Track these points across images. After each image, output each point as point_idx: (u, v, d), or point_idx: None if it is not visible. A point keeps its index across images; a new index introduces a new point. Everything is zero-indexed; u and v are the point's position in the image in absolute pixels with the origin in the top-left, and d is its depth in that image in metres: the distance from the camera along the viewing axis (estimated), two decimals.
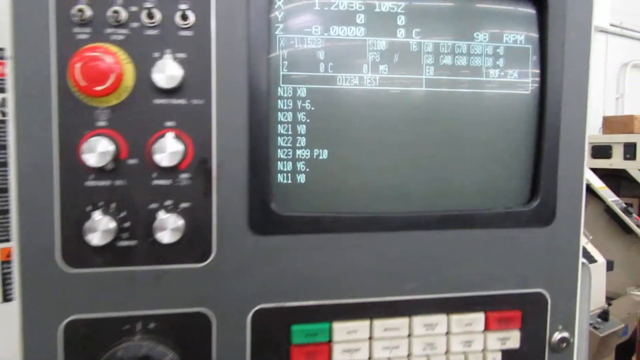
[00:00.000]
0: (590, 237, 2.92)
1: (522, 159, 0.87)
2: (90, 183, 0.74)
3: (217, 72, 0.76)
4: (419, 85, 0.82)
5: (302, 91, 0.79)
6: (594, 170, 3.66)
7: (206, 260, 0.78)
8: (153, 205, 0.75)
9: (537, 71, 0.87)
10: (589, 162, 2.76)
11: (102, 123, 0.73)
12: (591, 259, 2.83)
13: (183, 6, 0.73)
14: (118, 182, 0.74)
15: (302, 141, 0.80)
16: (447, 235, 0.85)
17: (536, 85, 0.86)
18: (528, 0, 0.85)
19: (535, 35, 0.86)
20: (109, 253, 0.75)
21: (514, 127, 0.87)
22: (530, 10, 0.86)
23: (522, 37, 0.86)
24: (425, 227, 0.84)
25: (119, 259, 0.75)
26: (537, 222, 0.87)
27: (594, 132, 4.23)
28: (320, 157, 0.81)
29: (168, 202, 0.76)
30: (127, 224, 0.75)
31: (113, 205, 0.74)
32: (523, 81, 0.86)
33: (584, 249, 2.18)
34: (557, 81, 0.86)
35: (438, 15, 0.84)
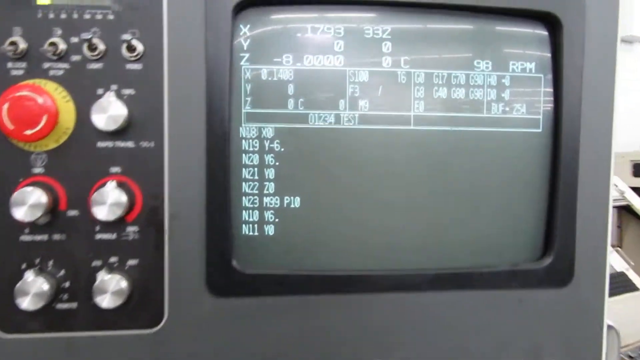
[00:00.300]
0: (632, 264, 2.71)
1: (532, 208, 0.74)
2: (26, 238, 0.65)
3: (170, 111, 0.66)
4: (406, 123, 0.71)
5: (268, 131, 0.69)
6: (636, 189, 3.43)
7: (157, 325, 0.68)
8: (96, 263, 0.66)
9: (551, 105, 0.73)
10: (630, 180, 2.56)
11: (38, 170, 0.65)
12: (632, 287, 2.62)
13: (127, 36, 0.63)
14: (56, 237, 0.65)
15: (271, 187, 0.69)
16: (443, 297, 0.72)
17: (549, 121, 0.73)
18: (538, 20, 0.73)
19: (547, 61, 0.73)
20: (47, 317, 0.66)
21: (523, 170, 0.74)
22: (541, 32, 0.73)
23: (531, 64, 0.73)
24: (417, 288, 0.71)
25: (57, 324, 0.66)
26: (551, 282, 0.74)
27: (635, 147, 3.98)
28: (292, 206, 0.70)
29: (113, 259, 0.66)
30: (66, 284, 0.66)
31: (51, 263, 0.65)
32: (533, 117, 0.73)
33: (624, 276, 1.99)
34: (575, 115, 0.72)
35: (431, 41, 0.72)
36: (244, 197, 0.69)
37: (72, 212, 0.65)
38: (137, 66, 0.65)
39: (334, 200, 0.71)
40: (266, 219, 0.70)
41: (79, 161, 0.65)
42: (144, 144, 0.66)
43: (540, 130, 0.74)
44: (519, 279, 0.73)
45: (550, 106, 0.74)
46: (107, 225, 0.66)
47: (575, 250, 0.74)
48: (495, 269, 0.73)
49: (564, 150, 0.73)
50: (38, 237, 0.65)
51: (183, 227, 0.67)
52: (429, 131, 0.71)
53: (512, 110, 0.73)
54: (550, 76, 0.74)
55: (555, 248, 0.73)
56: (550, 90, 0.74)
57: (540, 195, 0.74)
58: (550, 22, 0.73)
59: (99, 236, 0.66)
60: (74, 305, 0.66)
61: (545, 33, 0.73)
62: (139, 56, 0.65)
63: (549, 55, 0.73)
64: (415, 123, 0.71)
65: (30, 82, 0.63)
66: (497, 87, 0.72)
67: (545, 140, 0.74)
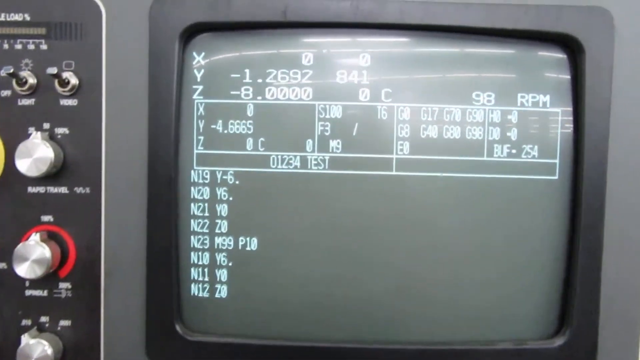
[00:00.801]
0: None
1: (545, 273, 0.61)
2: None
3: (108, 153, 0.58)
4: (387, 168, 0.59)
5: (223, 176, 0.59)
6: None
7: None
8: (26, 322, 0.59)
9: (570, 146, 0.60)
10: None
11: None
12: None
13: (52, 69, 0.55)
14: None
15: (224, 243, 0.60)
16: None
17: (568, 166, 0.60)
18: (553, 42, 0.59)
19: (566, 92, 0.60)
20: None
21: (533, 227, 0.61)
22: (559, 56, 0.60)
23: (546, 97, 0.60)
24: None
25: None
26: None
27: None
28: (249, 264, 0.60)
29: (44, 319, 0.59)
30: None
31: None
32: (548, 162, 0.60)
33: None
34: (600, 160, 0.59)
35: (418, 68, 0.60)
36: (192, 253, 0.60)
37: (0, 265, 0.58)
38: (71, 102, 0.57)
39: (298, 258, 0.60)
40: (218, 279, 0.60)
41: (8, 208, 0.58)
42: (79, 189, 0.58)
43: (556, 177, 0.60)
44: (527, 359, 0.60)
45: (569, 148, 0.60)
46: (37, 281, 0.58)
47: (599, 327, 0.59)
48: (496, 347, 0.60)
49: (585, 202, 0.59)
50: None
51: (121, 285, 0.59)
52: (415, 178, 0.60)
53: (521, 153, 0.60)
54: (570, 111, 0.60)
55: (573, 323, 0.59)
56: (570, 128, 0.60)
57: (555, 257, 0.61)
58: (570, 46, 0.59)
59: (29, 292, 0.59)
60: None
61: (562, 56, 0.60)
62: (73, 90, 0.57)
63: (568, 85, 0.60)
64: (399, 168, 0.59)
65: None
66: (501, 124, 0.60)
67: (563, 190, 0.60)
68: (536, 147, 0.60)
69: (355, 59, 0.59)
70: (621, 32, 0.58)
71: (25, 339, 0.57)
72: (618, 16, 0.58)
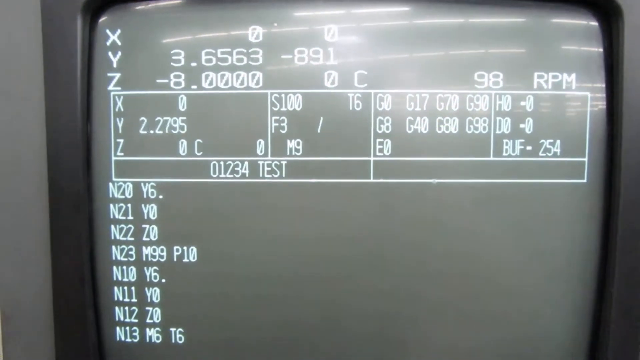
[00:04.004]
0: None
1: (570, 305, 0.49)
2: None
3: None
4: (363, 174, 0.46)
5: (150, 189, 0.46)
6: None
7: None
8: None
9: (603, 141, 0.46)
10: None
11: None
12: None
13: None
14: None
15: (154, 275, 0.46)
16: None
17: (599, 166, 0.46)
18: (579, 5, 0.45)
19: (598, 70, 0.46)
20: None
21: (556, 242, 0.48)
22: (587, 22, 0.46)
23: (570, 76, 0.46)
24: None
25: None
26: None
27: None
28: (187, 299, 0.47)
29: None
30: None
31: None
32: (574, 160, 0.46)
33: None
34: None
35: (402, 42, 0.46)
36: (115, 289, 0.47)
37: None
38: None
39: (250, 294, 0.47)
40: (150, 319, 0.47)
41: None
42: None
43: (584, 181, 0.47)
44: None
45: (602, 143, 0.46)
46: None
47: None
48: None
49: (623, 213, 0.47)
50: None
51: (24, 334, 0.47)
52: (399, 187, 0.46)
53: (539, 151, 0.47)
54: (602, 95, 0.46)
55: (607, 357, 0.46)
56: (603, 117, 0.46)
57: (583, 281, 0.49)
58: (604, 8, 0.44)
59: None
60: None
61: (592, 24, 0.45)
62: None
63: (600, 60, 0.45)
64: (378, 174, 0.46)
65: None
66: (512, 114, 0.46)
67: (593, 195, 0.48)
68: (558, 142, 0.48)
69: (318, 34, 0.45)
70: None
71: None
72: None
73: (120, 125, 0.46)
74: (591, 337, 0.48)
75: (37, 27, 0.44)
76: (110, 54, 0.46)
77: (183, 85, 0.46)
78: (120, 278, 0.47)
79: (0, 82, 0.45)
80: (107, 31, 0.46)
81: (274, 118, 0.46)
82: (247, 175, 0.46)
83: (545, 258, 0.48)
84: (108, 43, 0.46)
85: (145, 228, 0.47)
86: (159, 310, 0.47)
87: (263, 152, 0.46)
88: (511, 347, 0.49)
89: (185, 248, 0.46)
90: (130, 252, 0.47)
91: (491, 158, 0.47)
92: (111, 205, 0.47)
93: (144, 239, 0.47)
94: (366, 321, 0.48)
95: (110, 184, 0.47)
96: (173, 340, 0.47)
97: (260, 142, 0.46)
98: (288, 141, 0.46)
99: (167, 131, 0.46)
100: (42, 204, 0.45)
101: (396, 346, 0.48)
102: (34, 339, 0.47)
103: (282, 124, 0.46)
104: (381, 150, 0.46)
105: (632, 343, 0.47)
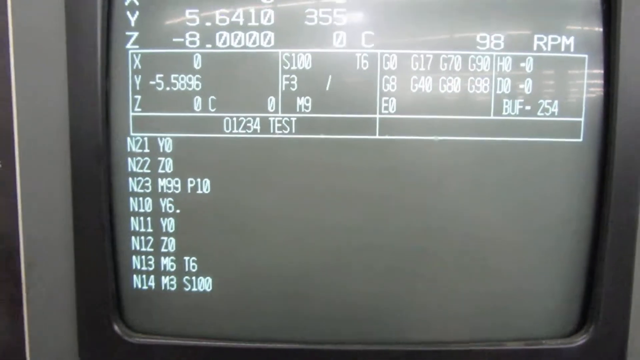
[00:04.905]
0: None
1: (565, 260, 0.51)
2: None
3: (21, 118, 0.49)
4: (369, 131, 0.48)
5: (166, 143, 0.48)
6: None
7: None
8: None
9: (599, 102, 0.48)
10: None
11: None
12: None
13: None
14: None
15: (170, 225, 0.49)
16: None
17: (595, 126, 0.48)
18: None
19: (596, 33, 0.48)
20: None
21: (552, 201, 0.50)
22: None
23: (569, 39, 0.48)
24: None
25: None
26: None
27: None
28: (200, 252, 0.50)
29: None
30: None
31: None
32: (571, 120, 0.48)
33: None
34: (636, 119, 0.47)
35: (407, 4, 0.48)
36: (133, 238, 0.50)
37: None
38: None
39: (259, 244, 0.50)
40: (164, 268, 0.50)
41: None
42: None
43: (581, 140, 0.49)
44: None
45: (598, 104, 0.48)
46: None
47: (630, 324, 0.49)
48: (504, 347, 0.50)
49: (617, 171, 0.49)
50: None
51: (46, 278, 0.50)
52: (404, 143, 0.49)
53: (537, 110, 0.49)
54: (599, 57, 0.47)
55: (598, 320, 0.50)
56: (600, 79, 0.48)
57: (577, 240, 0.51)
58: None
59: None
60: None
61: None
62: None
63: (599, 24, 0.47)
64: (383, 131, 0.48)
65: None
66: (512, 75, 0.48)
67: (589, 156, 0.50)
68: (556, 102, 0.49)
69: None
70: None
71: None
72: None
73: (137, 82, 0.48)
74: (585, 289, 0.51)
75: None
76: (128, 13, 0.48)
77: (198, 44, 0.48)
78: (137, 228, 0.50)
79: (25, 40, 0.46)
80: None
81: (284, 76, 0.48)
82: (258, 130, 0.48)
83: (542, 214, 0.50)
84: (126, 3, 0.48)
85: (161, 180, 0.49)
86: (173, 221, 0.50)
87: (274, 108, 0.48)
88: (509, 299, 0.51)
89: (198, 180, 0.49)
90: (147, 202, 0.49)
91: (491, 117, 0.48)
92: (129, 159, 0.49)
93: (160, 194, 0.49)
94: (369, 274, 0.50)
95: (129, 139, 0.49)
96: (186, 269, 0.50)
97: (271, 99, 0.48)
98: (298, 98, 0.48)
99: (182, 88, 0.48)
100: (64, 157, 0.47)
101: (397, 295, 0.51)
102: (55, 285, 0.49)
103: (292, 82, 0.48)
104: (387, 108, 0.48)
105: (624, 294, 0.49)
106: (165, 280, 0.50)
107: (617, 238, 0.49)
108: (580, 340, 0.50)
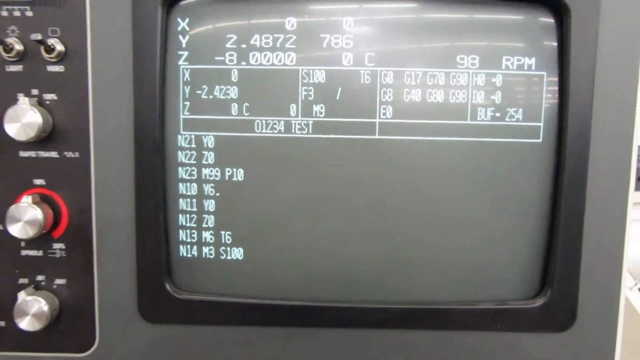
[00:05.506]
0: None
1: (528, 234, 0.62)
2: None
3: (96, 118, 0.59)
4: (370, 132, 0.60)
5: (209, 140, 0.60)
6: None
7: (88, 350, 0.62)
8: (22, 281, 0.61)
9: (555, 110, 0.59)
10: None
11: None
12: None
13: (36, 35, 0.56)
14: None
15: (210, 205, 0.61)
16: (413, 337, 0.62)
17: (552, 129, 0.60)
18: (539, 4, 0.58)
19: (552, 55, 0.59)
20: None
21: (516, 189, 0.61)
22: (546, 19, 0.59)
23: (531, 59, 0.59)
24: (380, 325, 0.61)
25: None
26: (546, 325, 0.61)
27: None
28: (234, 226, 0.62)
29: (40, 278, 0.61)
30: None
31: None
32: (532, 124, 0.60)
33: None
34: (583, 123, 0.59)
35: (401, 32, 0.60)
36: (180, 215, 0.62)
37: None
38: (58, 68, 0.58)
39: (283, 221, 0.61)
40: (205, 240, 0.62)
41: (2, 171, 0.60)
42: (69, 154, 0.60)
43: (540, 140, 0.60)
44: (508, 320, 0.61)
45: (554, 111, 0.60)
46: (32, 242, 0.60)
47: (579, 289, 0.60)
48: (479, 307, 0.61)
49: (569, 165, 0.59)
50: None
51: (112, 246, 0.61)
52: (398, 142, 0.60)
53: (505, 117, 0.60)
54: (555, 74, 0.59)
55: (554, 285, 0.60)
56: (555, 92, 0.59)
57: (538, 220, 0.61)
58: (557, 7, 0.58)
59: (24, 252, 0.61)
60: (2, 323, 0.62)
61: (550, 20, 0.59)
62: (59, 57, 0.58)
63: (555, 47, 0.59)
64: (382, 132, 0.60)
65: None
66: (485, 88, 0.59)
67: (547, 153, 0.60)
68: (520, 110, 0.60)
69: (338, 24, 0.59)
70: None
71: (22, 296, 0.59)
72: None
73: (187, 91, 0.60)
74: (544, 261, 0.61)
75: (129, 17, 0.58)
76: (180, 37, 0.60)
77: (235, 61, 0.59)
78: (184, 207, 0.62)
79: (103, 58, 0.58)
80: (179, 19, 0.59)
81: (303, 88, 0.60)
82: (282, 131, 0.60)
83: (509, 199, 0.60)
84: (179, 28, 0.60)
85: (204, 169, 0.61)
86: (213, 202, 0.61)
87: (295, 114, 0.60)
88: (483, 269, 0.61)
89: (234, 169, 0.60)
90: (192, 187, 0.62)
91: (468, 122, 0.60)
92: (179, 152, 0.61)
93: (204, 181, 0.61)
94: (370, 243, 0.61)
95: (179, 136, 0.61)
96: (222, 241, 0.61)
97: (293, 106, 0.60)
98: (314, 106, 0.59)
99: (222, 96, 0.60)
100: (129, 149, 0.58)
101: (392, 264, 0.62)
102: (120, 250, 0.60)
103: (309, 93, 0.60)
104: (384, 114, 0.60)
105: (574, 265, 0.60)
106: (205, 249, 0.62)
107: (569, 219, 0.59)
108: (539, 301, 0.60)
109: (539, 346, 0.62)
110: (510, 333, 0.62)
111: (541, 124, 0.60)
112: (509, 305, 0.61)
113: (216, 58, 0.60)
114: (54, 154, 0.59)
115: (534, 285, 0.62)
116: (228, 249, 0.62)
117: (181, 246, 0.62)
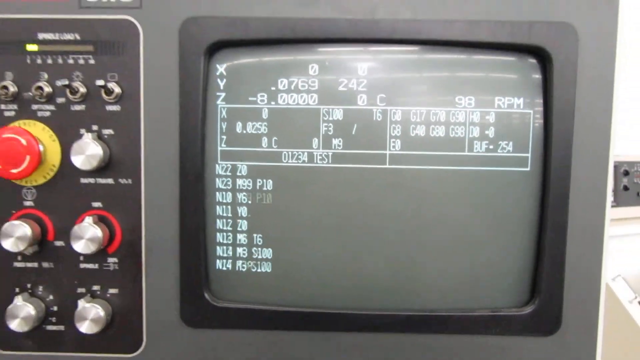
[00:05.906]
0: None
1: (518, 251, 0.70)
2: (18, 264, 0.71)
3: (146, 150, 0.69)
4: (382, 162, 0.69)
5: (242, 169, 0.70)
6: None
7: (136, 351, 0.71)
8: (81, 290, 0.71)
9: (541, 142, 0.69)
10: None
11: (28, 203, 0.70)
12: None
13: (100, 81, 0.67)
14: (45, 265, 0.71)
15: (243, 224, 0.71)
16: (416, 340, 0.71)
17: (539, 159, 0.69)
18: (526, 53, 0.68)
19: (538, 95, 0.69)
20: (38, 337, 0.72)
21: (508, 211, 0.70)
22: (531, 65, 0.69)
23: (519, 100, 0.69)
24: (388, 329, 0.70)
25: (47, 344, 0.72)
26: (535, 330, 0.70)
27: None
28: (263, 243, 0.71)
29: (96, 287, 0.71)
30: (54, 308, 0.71)
31: (41, 288, 0.71)
32: (521, 155, 0.69)
33: None
34: (565, 154, 0.68)
35: (408, 77, 0.70)
36: (217, 233, 0.71)
37: (59, 243, 0.70)
38: (115, 108, 0.68)
39: (305, 238, 0.71)
40: (238, 255, 0.71)
41: (65, 196, 0.69)
42: (123, 180, 0.69)
43: (528, 169, 0.70)
44: (501, 325, 0.70)
45: (540, 144, 0.69)
46: (90, 256, 0.70)
47: (564, 297, 0.69)
48: (475, 314, 0.70)
49: (553, 189, 0.68)
50: (29, 265, 0.71)
51: (159, 260, 0.70)
52: (406, 170, 0.69)
53: (497, 149, 0.69)
54: (540, 112, 0.69)
55: (541, 294, 0.69)
56: (540, 126, 0.69)
57: (527, 237, 0.70)
58: (541, 55, 0.68)
59: (83, 265, 0.70)
60: (61, 327, 0.71)
61: (534, 65, 0.69)
62: (117, 98, 0.68)
63: (540, 89, 0.69)
64: (392, 162, 0.69)
65: (18, 123, 0.68)
66: (480, 124, 0.69)
67: (534, 179, 0.69)
68: (511, 143, 0.69)
69: (354, 69, 0.69)
70: (584, 44, 0.66)
71: (81, 303, 0.69)
72: (581, 31, 0.66)
73: (224, 127, 0.70)
74: (532, 273, 0.69)
75: (176, 63, 0.67)
76: (219, 80, 0.69)
77: (265, 101, 0.69)
78: (221, 227, 0.71)
79: (153, 99, 0.68)
80: (217, 65, 0.68)
81: (324, 124, 0.69)
82: (306, 161, 0.69)
83: (502, 219, 0.69)
84: (218, 73, 0.70)
85: (238, 195, 0.71)
86: (245, 222, 0.71)
87: (317, 146, 0.69)
88: (479, 280, 0.69)
89: (264, 194, 0.69)
90: (228, 209, 0.71)
91: (466, 153, 0.69)
92: (217, 179, 0.70)
93: (238, 204, 0.71)
94: (379, 259, 0.70)
95: (217, 165, 0.70)
96: (253, 256, 0.70)
97: (315, 140, 0.69)
98: (333, 139, 0.69)
99: (254, 131, 0.70)
100: (175, 177, 0.67)
101: (400, 276, 0.72)
102: (165, 264, 0.68)
103: (329, 128, 0.69)
104: (394, 146, 0.69)
105: (559, 276, 0.67)
106: (238, 263, 0.71)
107: (553, 236, 0.67)
108: (529, 309, 0.69)
109: (529, 348, 0.71)
110: (503, 337, 0.70)
111: (529, 155, 0.69)
112: (502, 312, 0.70)
113: (249, 98, 0.69)
114: (110, 181, 0.69)
115: (524, 295, 0.71)
116: (258, 263, 0.71)
117: (218, 260, 0.71)
